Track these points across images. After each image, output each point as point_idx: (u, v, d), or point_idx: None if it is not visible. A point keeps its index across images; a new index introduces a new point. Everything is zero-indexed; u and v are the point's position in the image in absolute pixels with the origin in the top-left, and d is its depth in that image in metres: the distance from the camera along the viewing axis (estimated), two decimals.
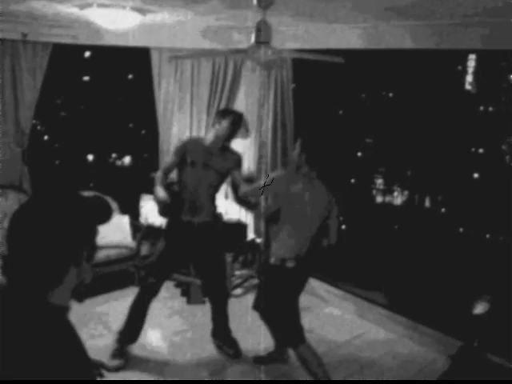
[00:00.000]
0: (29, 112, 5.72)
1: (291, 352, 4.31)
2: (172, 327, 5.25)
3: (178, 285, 6.02)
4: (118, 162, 14.35)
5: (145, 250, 6.24)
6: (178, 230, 4.58)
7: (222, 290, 4.86)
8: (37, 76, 5.64)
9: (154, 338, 5.10)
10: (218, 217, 4.86)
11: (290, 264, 3.89)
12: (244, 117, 4.80)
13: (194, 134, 6.28)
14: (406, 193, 15.51)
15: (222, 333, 4.86)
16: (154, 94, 6.42)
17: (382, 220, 14.47)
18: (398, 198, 15.53)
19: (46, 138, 13.16)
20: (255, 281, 6.20)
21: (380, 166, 15.51)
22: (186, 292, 5.86)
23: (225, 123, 4.42)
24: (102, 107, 13.00)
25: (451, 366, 4.28)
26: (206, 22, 5.22)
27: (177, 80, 6.32)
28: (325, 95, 13.17)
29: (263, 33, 3.24)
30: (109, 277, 5.58)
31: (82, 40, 5.73)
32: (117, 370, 4.38)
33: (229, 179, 4.70)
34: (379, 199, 15.54)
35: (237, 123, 4.49)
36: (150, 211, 6.19)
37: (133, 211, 6.36)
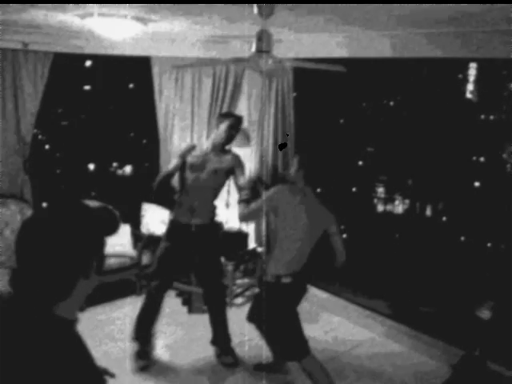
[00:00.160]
0: (30, 121, 5.72)
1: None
2: (173, 336, 5.24)
3: (179, 294, 6.02)
4: (119, 172, 14.36)
5: (146, 259, 6.23)
6: (176, 231, 4.61)
7: (220, 296, 4.85)
8: (38, 85, 5.65)
9: (155, 347, 5.09)
10: (216, 220, 4.86)
11: (285, 280, 3.88)
12: (243, 122, 4.81)
13: (195, 143, 6.28)
14: (407, 201, 15.50)
15: (221, 341, 4.85)
16: (155, 103, 6.42)
17: (383, 229, 14.45)
18: (399, 207, 15.52)
19: (47, 147, 13.17)
20: (256, 290, 6.18)
21: (381, 174, 15.50)
22: (187, 301, 5.85)
23: (223, 127, 4.47)
24: (103, 116, 13.02)
25: (453, 375, 4.27)
26: (207, 31, 5.22)
27: (178, 89, 6.32)
28: (326, 104, 13.18)
29: (264, 42, 3.24)
30: (110, 286, 5.58)
31: (83, 49, 5.74)
32: (141, 369, 4.60)
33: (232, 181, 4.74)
34: (380, 208, 15.53)
35: (234, 127, 4.52)
36: (151, 220, 6.20)
37: (134, 220, 6.35)
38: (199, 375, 4.61)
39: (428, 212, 14.92)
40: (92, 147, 13.18)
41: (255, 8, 3.16)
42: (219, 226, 5.05)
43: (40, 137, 12.30)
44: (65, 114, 13.04)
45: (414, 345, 5.15)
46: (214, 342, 4.89)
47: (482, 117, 15.39)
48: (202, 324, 5.14)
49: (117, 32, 4.52)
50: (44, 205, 7.70)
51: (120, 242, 5.91)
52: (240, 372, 4.68)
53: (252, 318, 4.28)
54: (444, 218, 14.67)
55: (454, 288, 8.01)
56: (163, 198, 4.87)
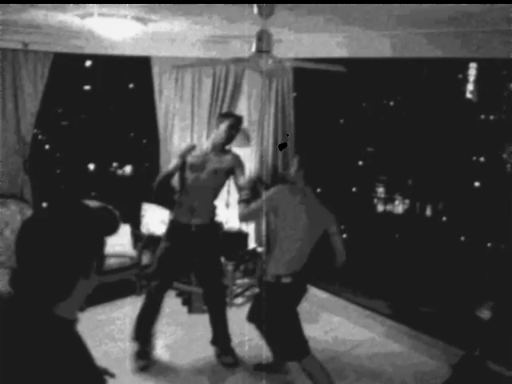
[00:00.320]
0: (30, 121, 5.72)
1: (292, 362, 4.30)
2: (173, 336, 5.24)
3: (180, 294, 6.02)
4: (119, 172, 14.36)
5: (146, 259, 6.23)
6: (176, 231, 4.62)
7: (220, 296, 4.85)
8: (38, 85, 5.64)
9: (155, 347, 5.09)
10: (216, 220, 4.86)
11: (285, 280, 3.89)
12: (243, 122, 4.81)
13: (195, 143, 6.28)
14: (407, 201, 15.50)
15: (220, 341, 4.85)
16: (155, 103, 6.42)
17: (383, 229, 14.45)
18: (399, 207, 15.52)
19: (47, 147, 13.17)
20: (256, 290, 6.19)
21: (381, 174, 15.50)
22: (187, 301, 5.85)
23: (223, 127, 4.48)
24: (103, 116, 13.02)
25: (453, 375, 4.27)
26: (207, 31, 5.22)
27: (178, 89, 6.32)
28: (326, 104, 13.18)
29: (264, 42, 3.24)
30: (110, 286, 5.58)
31: (83, 49, 5.74)
32: (142, 369, 4.61)
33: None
34: (380, 208, 15.53)
35: (234, 127, 4.53)
36: (151, 220, 6.20)
37: (134, 220, 6.35)
38: (199, 375, 4.61)
39: (428, 212, 14.92)
40: (92, 147, 13.18)
41: (255, 8, 3.16)
42: (219, 226, 5.05)
43: (40, 137, 12.30)
44: (65, 114, 13.04)
45: (413, 345, 5.15)
46: (213, 341, 4.89)
47: (482, 117, 15.38)
48: (202, 324, 5.14)
49: (117, 32, 4.52)
50: (44, 205, 7.70)
51: (120, 242, 5.91)
52: (240, 372, 4.68)
53: (252, 317, 4.28)
54: (444, 218, 14.67)
55: (454, 288, 8.01)
56: (163, 197, 4.88)
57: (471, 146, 14.62)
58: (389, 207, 15.41)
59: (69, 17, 4.35)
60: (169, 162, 6.01)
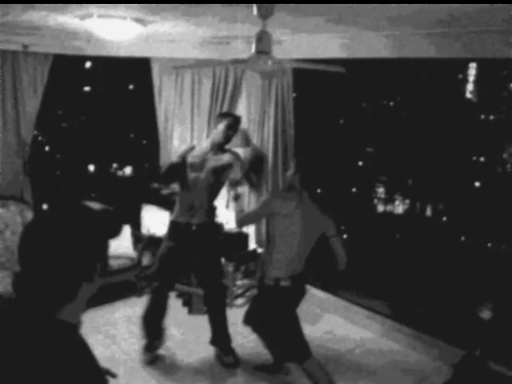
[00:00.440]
0: (30, 123, 5.72)
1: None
2: (173, 337, 5.23)
3: (180, 295, 6.02)
4: (119, 173, 14.37)
5: (146, 260, 6.24)
6: (177, 231, 4.64)
7: (220, 297, 4.85)
8: (38, 87, 5.65)
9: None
10: (217, 220, 4.87)
11: (284, 283, 3.89)
12: (241, 122, 4.82)
13: (195, 143, 6.29)
14: (407, 202, 15.52)
15: (220, 341, 4.85)
16: (155, 104, 6.42)
17: (383, 229, 14.47)
18: (399, 207, 15.54)
19: (47, 148, 13.18)
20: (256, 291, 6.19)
21: (381, 175, 15.52)
22: (188, 302, 5.86)
23: (221, 126, 4.49)
24: (103, 118, 13.04)
25: (454, 375, 4.27)
26: (207, 32, 5.22)
27: (177, 90, 6.32)
28: (326, 104, 13.20)
29: (263, 43, 3.24)
30: (110, 287, 5.58)
31: (83, 51, 5.74)
32: (149, 363, 4.68)
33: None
34: (380, 208, 15.55)
35: (232, 127, 4.54)
36: (151, 221, 6.20)
37: (134, 221, 6.35)
38: (199, 376, 4.60)
39: (428, 212, 14.94)
40: (92, 148, 13.20)
41: (255, 9, 3.16)
42: (220, 226, 5.05)
43: (40, 138, 12.32)
44: (65, 115, 13.06)
45: (414, 345, 5.15)
46: (213, 342, 4.89)
47: (482, 117, 15.41)
48: (202, 324, 5.14)
49: (116, 33, 4.52)
50: (45, 207, 7.71)
51: (120, 243, 5.90)
52: (240, 372, 4.68)
53: (248, 320, 4.28)
54: (444, 218, 14.69)
55: (454, 288, 8.02)
56: (171, 178, 4.84)
57: (471, 146, 14.64)
58: (389, 207, 15.43)
59: (68, 18, 4.35)
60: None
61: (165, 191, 5.91)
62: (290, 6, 3.45)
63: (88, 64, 11.74)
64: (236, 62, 4.39)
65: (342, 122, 14.93)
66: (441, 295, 7.63)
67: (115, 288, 5.72)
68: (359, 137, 14.65)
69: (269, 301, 3.97)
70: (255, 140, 6.22)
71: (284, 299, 3.97)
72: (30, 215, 5.71)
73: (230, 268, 5.89)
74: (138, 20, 4.34)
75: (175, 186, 4.95)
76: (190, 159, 4.57)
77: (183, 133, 6.37)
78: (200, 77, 6.25)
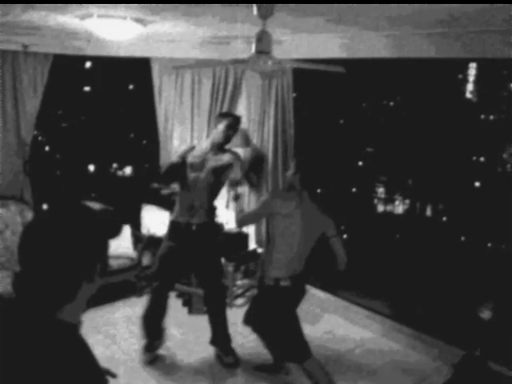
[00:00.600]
0: (30, 123, 5.72)
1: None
2: (173, 337, 5.23)
3: (180, 295, 6.02)
4: (119, 173, 14.37)
5: (146, 260, 6.24)
6: (177, 231, 4.64)
7: (220, 297, 4.85)
8: (38, 87, 5.65)
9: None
10: (217, 220, 4.87)
11: (284, 283, 3.89)
12: (241, 121, 4.82)
13: (195, 143, 6.29)
14: (407, 202, 15.52)
15: (220, 341, 4.85)
16: (155, 104, 6.42)
17: (383, 229, 14.47)
18: (399, 207, 15.54)
19: (47, 148, 13.18)
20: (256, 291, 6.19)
21: (381, 175, 15.52)
22: (188, 302, 5.86)
23: (221, 126, 4.50)
24: (103, 118, 13.04)
25: (454, 375, 4.27)
26: (207, 32, 5.22)
27: (177, 90, 6.32)
28: (326, 104, 13.20)
29: (263, 43, 3.24)
30: (110, 287, 5.58)
31: (83, 51, 5.74)
32: (149, 363, 4.71)
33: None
34: (380, 208, 15.55)
35: (232, 127, 4.55)
36: (151, 221, 6.20)
37: (134, 221, 6.35)
38: (199, 375, 4.60)
39: (428, 212, 14.94)
40: (92, 148, 13.20)
41: (255, 9, 3.16)
42: (220, 226, 5.05)
43: (40, 138, 12.32)
44: (65, 115, 13.06)
45: (414, 345, 5.15)
46: (213, 342, 4.89)
47: (482, 117, 15.41)
48: (202, 324, 5.14)
49: (116, 33, 4.52)
50: (45, 207, 7.71)
51: (120, 243, 5.90)
52: (240, 373, 4.68)
53: (248, 320, 4.28)
54: (444, 218, 14.69)
55: (454, 288, 8.02)
56: (171, 178, 4.85)
57: (471, 146, 14.64)
58: (389, 207, 15.43)
59: (68, 18, 4.35)
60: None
61: (165, 191, 5.91)
62: (290, 5, 3.45)
63: (88, 64, 11.74)
64: (236, 62, 4.39)
65: (342, 122, 14.93)
66: (441, 295, 7.63)
67: (115, 288, 5.72)
68: (359, 137, 14.65)
69: (269, 301, 3.97)
70: (255, 140, 6.22)
71: (284, 299, 3.97)
72: (29, 215, 5.71)
73: (230, 268, 5.89)
74: (137, 20, 4.34)
75: (175, 186, 4.95)
76: (190, 159, 4.57)
77: (183, 133, 6.37)
78: (200, 77, 6.25)
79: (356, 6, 3.47)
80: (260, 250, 6.28)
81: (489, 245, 12.47)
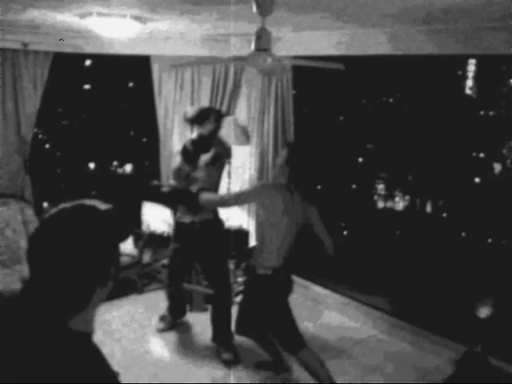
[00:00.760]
0: (30, 121, 5.73)
1: (292, 360, 4.31)
2: (173, 334, 5.24)
3: None
4: (120, 170, 14.37)
5: (147, 257, 6.24)
6: (182, 231, 4.70)
7: (226, 294, 4.87)
8: (38, 85, 5.65)
9: (155, 346, 5.11)
10: (219, 216, 4.89)
11: (267, 272, 3.87)
12: (222, 115, 4.92)
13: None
14: (407, 198, 15.52)
15: (222, 338, 4.86)
16: (155, 101, 6.43)
17: (383, 225, 14.47)
18: (399, 203, 15.54)
19: (47, 146, 13.19)
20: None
21: (381, 171, 15.52)
22: (189, 299, 5.86)
23: (208, 124, 4.55)
24: (103, 115, 13.03)
25: (455, 371, 4.27)
26: (206, 29, 5.23)
27: (177, 88, 6.33)
28: (325, 101, 13.19)
29: (263, 40, 3.24)
30: None
31: (83, 49, 5.75)
32: (160, 331, 5.23)
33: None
34: (380, 204, 15.55)
35: (215, 121, 4.61)
36: (152, 219, 6.20)
37: (135, 219, 6.36)
38: (200, 374, 4.60)
39: (428, 208, 14.94)
40: (92, 146, 13.20)
41: (254, 6, 3.16)
42: (223, 222, 5.06)
43: (40, 136, 12.31)
44: (65, 113, 13.06)
45: (415, 341, 5.16)
46: (214, 339, 4.90)
47: (482, 113, 15.40)
48: (203, 322, 5.15)
49: (116, 31, 4.53)
50: (47, 206, 7.70)
51: None
52: (241, 369, 4.68)
53: (240, 329, 4.28)
54: (444, 214, 14.69)
55: (455, 284, 8.02)
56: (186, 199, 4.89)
57: (471, 142, 14.64)
58: (389, 204, 15.43)
59: (68, 16, 4.35)
60: (169, 160, 6.05)
61: (165, 188, 5.91)
62: (290, 3, 3.45)
63: (88, 62, 11.74)
64: (236, 59, 4.39)
65: (341, 118, 14.92)
66: (442, 291, 7.63)
67: (116, 285, 5.72)
68: (359, 133, 14.64)
69: (260, 290, 3.97)
70: (255, 137, 6.21)
71: (270, 288, 3.95)
72: (30, 213, 5.72)
73: (231, 265, 5.90)
74: (137, 18, 4.34)
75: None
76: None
77: (183, 130, 6.37)
78: (200, 74, 6.25)
79: (356, 3, 3.47)
80: None
81: (489, 240, 12.47)
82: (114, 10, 4.05)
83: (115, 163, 14.29)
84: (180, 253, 4.82)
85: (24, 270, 4.42)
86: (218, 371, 4.64)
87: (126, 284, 5.97)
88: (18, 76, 5.53)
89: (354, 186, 14.86)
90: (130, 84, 13.25)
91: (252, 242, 6.31)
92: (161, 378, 4.46)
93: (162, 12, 4.15)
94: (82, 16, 4.25)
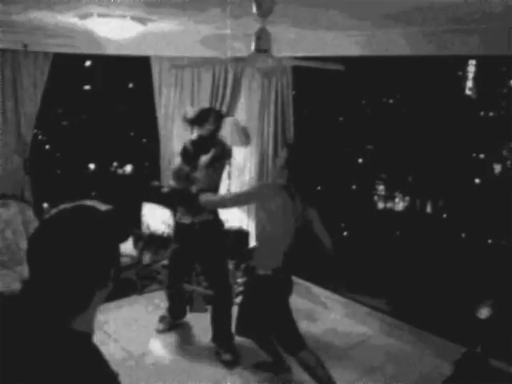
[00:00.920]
0: (30, 121, 5.73)
1: (292, 361, 4.30)
2: (173, 335, 5.24)
3: None
4: (120, 171, 14.36)
5: (147, 258, 6.24)
6: (182, 232, 4.71)
7: (227, 295, 4.87)
8: (38, 85, 5.65)
9: (154, 347, 5.10)
10: (219, 217, 4.89)
11: (267, 272, 3.88)
12: (221, 115, 4.93)
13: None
14: (407, 199, 15.50)
15: (222, 339, 4.85)
16: (155, 102, 6.43)
17: (383, 226, 14.45)
18: (399, 204, 15.52)
19: (47, 147, 13.17)
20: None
21: (381, 172, 15.50)
22: (189, 300, 5.85)
23: (207, 125, 4.56)
24: (103, 116, 13.02)
25: (455, 372, 4.27)
26: (206, 30, 5.23)
27: (177, 88, 6.33)
28: (325, 102, 13.19)
29: (263, 41, 3.24)
30: None
31: (83, 49, 5.75)
32: (160, 332, 5.25)
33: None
34: (380, 205, 15.53)
35: (215, 122, 4.60)
36: (152, 219, 6.20)
37: (134, 219, 6.35)
38: (199, 374, 4.60)
39: (428, 209, 14.92)
40: (92, 147, 13.19)
41: (254, 6, 3.16)
42: (223, 223, 5.07)
43: (40, 137, 12.30)
44: (65, 113, 13.05)
45: (415, 342, 5.16)
46: (214, 339, 4.90)
47: (482, 113, 15.38)
48: (203, 322, 5.15)
49: (116, 32, 4.53)
50: (47, 207, 7.71)
51: None
52: (240, 370, 4.68)
53: (240, 330, 4.29)
54: (444, 215, 14.67)
55: (455, 285, 8.02)
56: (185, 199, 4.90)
57: (471, 143, 14.62)
58: (389, 204, 15.41)
59: (68, 17, 4.35)
60: (169, 161, 6.05)
61: (165, 189, 5.91)
62: (290, 3, 3.45)
63: (88, 63, 11.73)
64: (236, 60, 4.40)
65: (341, 119, 14.90)
66: (441, 292, 7.63)
67: (115, 286, 5.72)
68: (359, 134, 14.63)
69: (260, 291, 3.97)
70: (255, 138, 6.21)
71: (270, 288, 3.95)
72: (30, 214, 5.71)
73: (231, 266, 5.90)
74: (137, 19, 4.35)
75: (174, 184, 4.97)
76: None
77: (183, 131, 6.37)
78: (200, 75, 6.26)
79: (357, 2, 3.47)
80: None
81: (489, 241, 12.46)
82: (114, 10, 4.05)
83: (115, 164, 14.27)
84: (180, 253, 4.83)
85: (24, 271, 4.43)
86: (218, 372, 4.64)
87: (126, 285, 5.97)
88: (17, 76, 5.53)
89: (353, 187, 14.85)
90: (130, 85, 13.24)
91: (252, 242, 6.31)
92: (161, 379, 4.46)
93: (162, 13, 4.15)
94: (82, 17, 4.25)
